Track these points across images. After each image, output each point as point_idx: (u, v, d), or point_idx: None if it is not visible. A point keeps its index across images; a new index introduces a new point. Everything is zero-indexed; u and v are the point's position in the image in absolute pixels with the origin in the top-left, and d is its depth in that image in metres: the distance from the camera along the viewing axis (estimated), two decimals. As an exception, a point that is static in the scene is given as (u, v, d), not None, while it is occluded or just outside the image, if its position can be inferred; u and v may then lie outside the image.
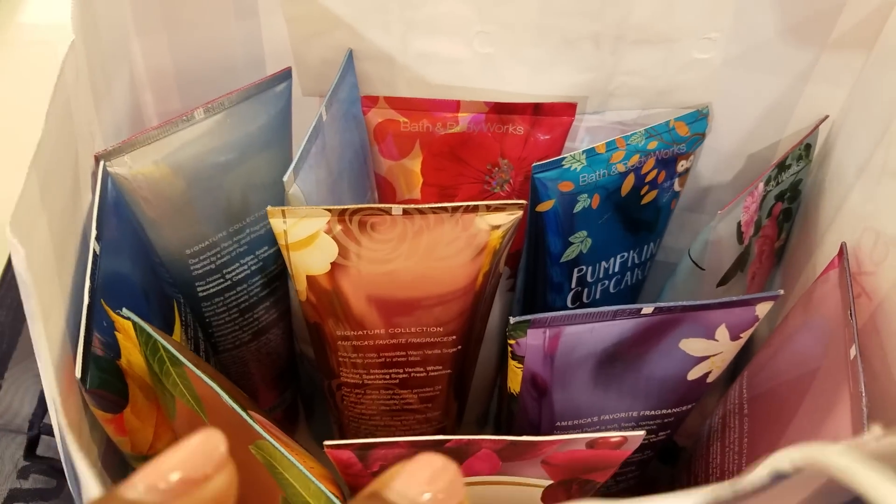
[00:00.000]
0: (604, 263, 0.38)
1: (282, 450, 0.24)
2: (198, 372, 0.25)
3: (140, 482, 0.15)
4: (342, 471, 0.26)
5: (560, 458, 0.25)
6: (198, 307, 0.36)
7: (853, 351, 0.27)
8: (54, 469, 0.40)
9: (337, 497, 0.24)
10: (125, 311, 0.26)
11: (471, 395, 0.41)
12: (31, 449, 0.40)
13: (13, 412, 0.42)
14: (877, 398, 0.30)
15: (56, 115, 0.25)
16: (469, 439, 0.25)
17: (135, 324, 0.26)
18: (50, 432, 0.41)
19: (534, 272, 0.38)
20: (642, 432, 0.24)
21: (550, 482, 0.27)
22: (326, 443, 0.25)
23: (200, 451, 0.16)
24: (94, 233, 0.27)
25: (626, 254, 0.39)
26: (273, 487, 0.25)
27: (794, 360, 0.31)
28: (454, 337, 0.34)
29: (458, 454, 0.25)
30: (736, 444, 0.34)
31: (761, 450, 0.32)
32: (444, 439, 0.25)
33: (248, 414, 0.25)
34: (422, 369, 0.35)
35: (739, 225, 0.35)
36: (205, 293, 0.35)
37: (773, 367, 0.33)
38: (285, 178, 0.30)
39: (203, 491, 0.16)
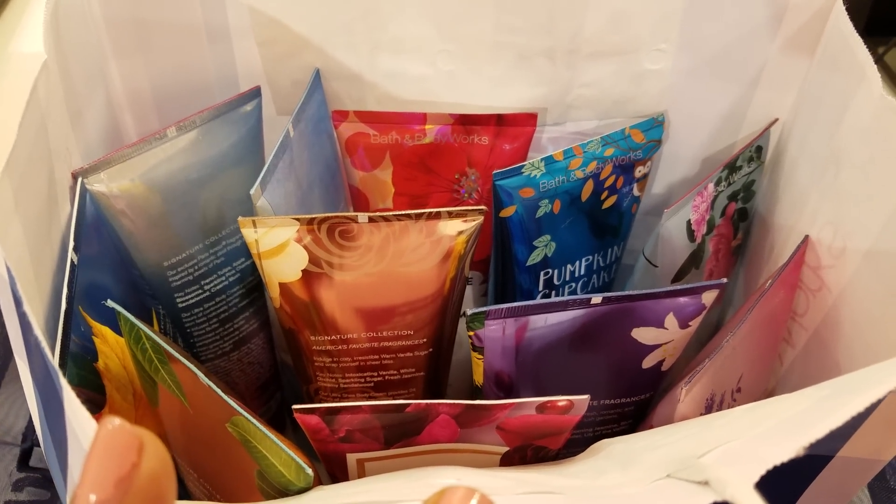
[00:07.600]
0: (569, 266, 0.39)
1: (255, 422, 0.25)
2: (177, 355, 0.26)
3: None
4: (311, 437, 0.27)
5: (513, 424, 0.27)
6: (178, 318, 0.37)
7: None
8: (47, 480, 0.42)
9: (308, 465, 0.25)
10: (109, 303, 0.27)
11: (451, 397, 0.42)
12: (24, 460, 0.41)
13: (7, 426, 0.43)
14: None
15: (29, 128, 0.26)
16: (427, 403, 0.26)
17: (119, 314, 0.27)
18: (42, 444, 0.43)
19: (503, 277, 0.40)
20: (587, 396, 0.25)
21: (507, 449, 0.28)
22: (295, 406, 0.26)
23: (112, 445, 0.15)
24: (71, 244, 0.28)
25: (590, 257, 0.40)
26: (248, 463, 0.26)
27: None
28: (425, 340, 0.35)
29: (418, 420, 0.27)
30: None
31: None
32: (404, 404, 0.26)
33: (223, 393, 0.26)
34: (395, 372, 0.36)
35: (689, 223, 0.36)
36: (184, 304, 0.37)
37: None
38: (252, 192, 0.32)
39: (141, 479, 0.15)
